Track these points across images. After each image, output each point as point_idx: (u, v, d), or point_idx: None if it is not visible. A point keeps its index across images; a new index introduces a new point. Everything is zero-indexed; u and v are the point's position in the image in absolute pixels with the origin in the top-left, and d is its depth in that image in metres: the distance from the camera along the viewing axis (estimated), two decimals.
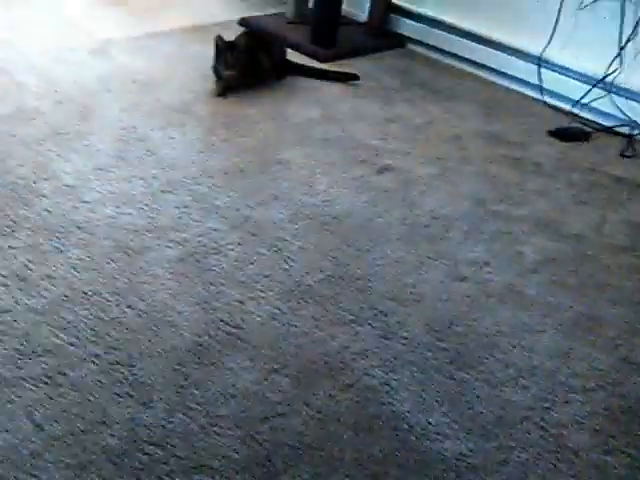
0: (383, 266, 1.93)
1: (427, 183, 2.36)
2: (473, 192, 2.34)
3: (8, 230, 1.86)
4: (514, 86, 3.24)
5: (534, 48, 3.11)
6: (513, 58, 3.21)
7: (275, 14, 3.68)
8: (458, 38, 3.36)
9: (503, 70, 3.25)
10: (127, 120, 2.49)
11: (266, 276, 1.83)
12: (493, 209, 2.26)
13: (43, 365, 1.49)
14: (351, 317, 1.72)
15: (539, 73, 3.12)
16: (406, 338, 1.68)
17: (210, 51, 2.79)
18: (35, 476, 1.27)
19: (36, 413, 1.38)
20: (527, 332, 1.75)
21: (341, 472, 1.35)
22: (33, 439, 1.33)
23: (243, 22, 3.52)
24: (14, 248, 1.80)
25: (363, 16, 3.60)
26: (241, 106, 2.72)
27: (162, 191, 2.13)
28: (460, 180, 2.41)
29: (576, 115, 2.99)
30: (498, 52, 3.25)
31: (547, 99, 3.11)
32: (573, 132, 2.86)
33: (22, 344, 1.53)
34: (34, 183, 2.07)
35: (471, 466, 1.39)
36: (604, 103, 2.95)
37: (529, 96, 3.16)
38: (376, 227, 2.09)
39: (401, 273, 1.91)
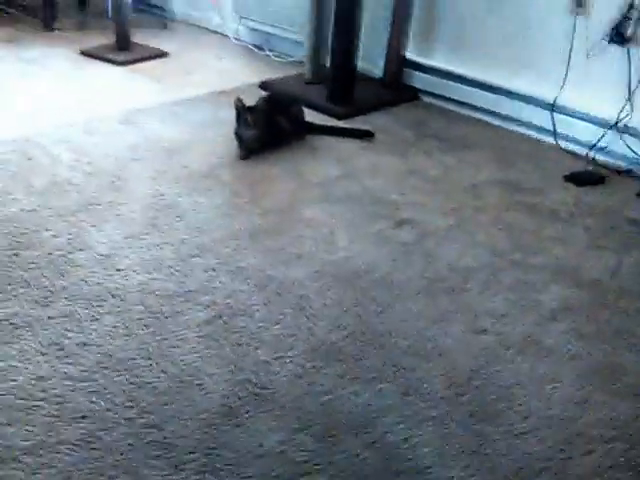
0: (404, 321, 1.99)
1: (444, 235, 2.43)
2: (490, 242, 2.40)
3: (46, 300, 1.97)
4: (527, 132, 3.32)
5: (546, 94, 3.20)
6: (525, 104, 3.30)
7: (294, 75, 3.84)
8: (470, 88, 3.47)
9: (516, 117, 3.34)
10: (156, 188, 2.62)
11: (291, 335, 1.90)
12: (510, 258, 2.32)
13: (79, 429, 1.57)
14: (373, 374, 1.78)
15: (552, 118, 3.19)
16: (427, 394, 1.73)
17: (233, 115, 2.93)
18: None
19: (73, 476, 1.46)
20: (545, 382, 1.79)
21: None
22: None
23: (264, 85, 3.68)
24: (52, 318, 1.91)
25: (378, 72, 3.74)
26: (264, 167, 2.84)
27: (191, 255, 2.23)
28: (477, 230, 2.47)
29: (591, 159, 3.04)
30: (510, 99, 3.34)
31: (561, 144, 3.18)
32: (588, 176, 2.91)
33: (59, 410, 1.62)
34: (69, 253, 2.19)
35: None
36: (618, 146, 3.01)
37: (543, 141, 3.24)
38: (396, 281, 2.16)
39: (422, 327, 1.97)
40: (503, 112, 3.37)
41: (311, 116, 3.25)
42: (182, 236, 2.33)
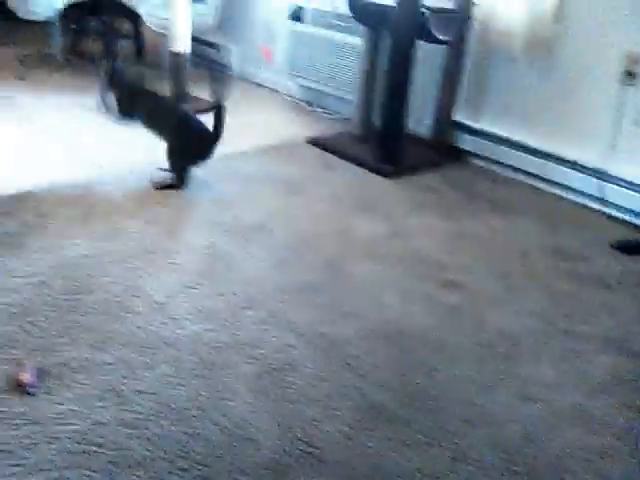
0: (453, 385, 1.99)
1: (493, 299, 2.45)
2: (539, 308, 2.41)
3: (103, 345, 2.03)
4: (575, 198, 3.34)
5: (594, 161, 3.24)
6: (572, 170, 3.33)
7: (343, 132, 3.94)
8: (517, 151, 3.52)
9: (563, 182, 3.37)
10: (209, 238, 2.69)
11: (340, 394, 1.92)
12: (559, 326, 2.32)
13: (136, 477, 1.60)
14: (423, 439, 1.78)
15: (600, 185, 3.21)
16: (477, 460, 1.72)
17: (283, 170, 3.02)
18: None
19: None
20: (598, 455, 1.77)
21: None
22: None
23: (312, 141, 3.78)
24: (109, 363, 1.96)
25: (426, 132, 3.82)
26: (312, 224, 2.90)
27: (242, 307, 2.28)
28: (525, 296, 2.48)
29: (638, 227, 3.05)
30: (557, 164, 3.38)
31: (608, 211, 3.19)
32: (635, 244, 2.91)
33: (117, 456, 1.66)
34: (126, 300, 2.25)
35: None
36: None
37: (590, 208, 3.25)
38: (445, 345, 2.17)
39: (471, 393, 1.97)
40: (550, 177, 3.41)
41: (358, 175, 3.33)
42: (233, 288, 2.38)
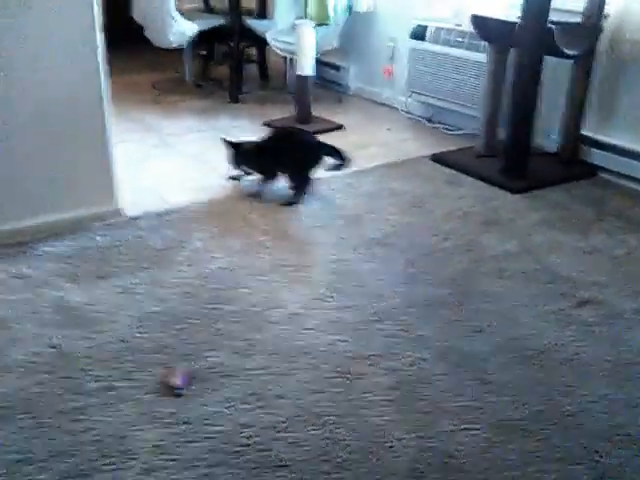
0: (591, 404, 1.96)
1: (631, 318, 2.37)
2: None
3: (246, 352, 2.16)
4: None
5: None
6: None
7: (466, 148, 3.95)
8: None
9: None
10: (338, 253, 2.79)
11: (476, 408, 1.94)
12: None
13: (281, 477, 1.70)
14: (562, 455, 1.77)
15: None
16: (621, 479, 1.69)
17: (406, 186, 3.07)
18: None
19: None
20: None
21: None
22: None
23: (434, 157, 3.81)
24: (252, 369, 2.08)
25: (553, 147, 3.75)
26: (438, 240, 2.93)
27: (372, 320, 2.34)
28: None
29: None
30: None
31: None
32: None
33: (262, 457, 1.76)
34: (264, 310, 2.38)
35: None
36: None
37: None
38: (581, 363, 2.14)
39: (612, 412, 1.93)
40: None
41: (484, 191, 3.32)
42: (362, 301, 2.45)
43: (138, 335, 2.22)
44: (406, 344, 2.22)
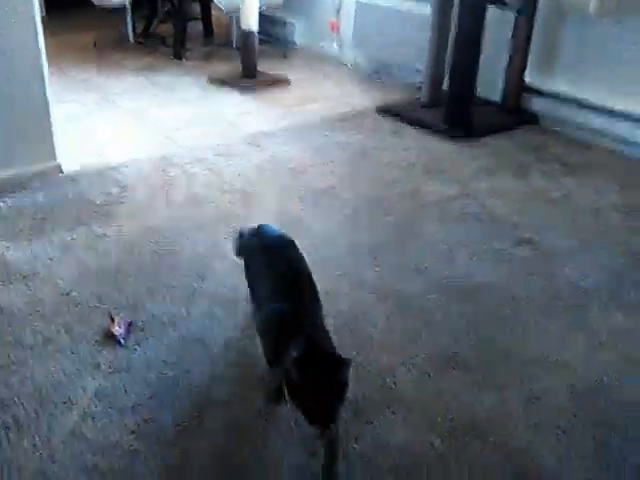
0: (525, 335, 2.02)
1: (565, 256, 2.44)
2: (612, 264, 2.39)
3: (188, 300, 2.15)
4: None
5: None
6: None
7: (410, 99, 3.96)
8: (589, 112, 3.43)
9: (637, 141, 3.28)
10: (282, 204, 2.79)
11: (414, 343, 1.98)
12: (630, 279, 2.30)
13: (217, 418, 1.71)
14: (497, 383, 1.83)
15: None
16: (549, 403, 1.76)
17: (352, 138, 3.06)
18: None
19: None
20: None
21: None
22: None
23: (380, 109, 3.81)
24: (193, 316, 2.08)
25: (496, 96, 3.78)
26: (382, 188, 2.95)
27: (316, 266, 2.34)
28: (599, 252, 2.46)
29: None
30: (630, 123, 3.28)
31: None
32: None
33: (200, 397, 1.77)
34: (207, 260, 2.37)
35: None
36: None
37: None
38: (517, 298, 2.20)
39: (543, 342, 1.99)
40: (625, 137, 3.32)
41: (428, 140, 3.34)
42: (307, 249, 2.44)
43: (77, 288, 2.19)
44: (348, 287, 2.24)
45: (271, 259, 1.81)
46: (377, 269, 2.34)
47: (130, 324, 2.02)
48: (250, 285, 1.84)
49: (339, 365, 1.38)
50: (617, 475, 1.57)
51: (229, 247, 2.43)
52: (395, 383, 1.82)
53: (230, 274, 2.27)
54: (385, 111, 3.78)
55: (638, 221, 2.69)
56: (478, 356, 1.93)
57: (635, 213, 2.75)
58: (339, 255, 2.42)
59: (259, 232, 1.94)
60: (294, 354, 1.39)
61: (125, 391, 1.79)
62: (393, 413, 1.72)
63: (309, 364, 1.38)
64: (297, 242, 2.50)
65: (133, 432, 1.66)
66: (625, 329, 2.05)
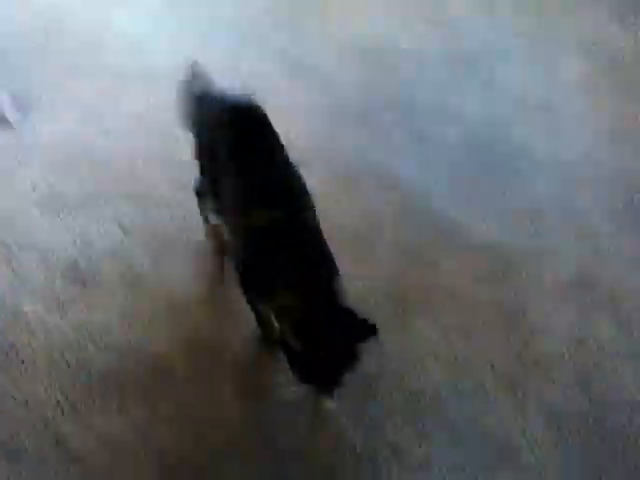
0: (423, 87, 2.06)
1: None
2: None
3: (76, 73, 2.02)
4: None
5: None
6: None
7: None
8: None
9: None
10: None
11: (318, 104, 1.96)
12: (530, 36, 2.31)
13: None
14: (389, 127, 1.90)
15: None
16: (441, 143, 1.86)
17: None
18: None
19: None
20: (560, 136, 1.89)
21: (381, 250, 1.57)
22: None
23: None
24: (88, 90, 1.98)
25: None
26: None
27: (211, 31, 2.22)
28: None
29: None
30: None
31: None
32: None
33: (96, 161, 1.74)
34: (98, 37, 2.18)
35: (500, 246, 1.58)
36: None
37: None
38: (421, 54, 2.19)
39: (439, 92, 2.04)
40: None
41: None
42: (203, 16, 2.30)
43: None
44: (250, 54, 2.14)
45: (245, 145, 1.35)
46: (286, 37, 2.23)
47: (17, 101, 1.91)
48: (209, 173, 1.43)
49: (365, 332, 1.15)
50: (505, 209, 1.69)
51: (122, 23, 2.25)
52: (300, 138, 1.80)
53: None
54: None
55: None
56: (374, 111, 1.96)
57: None
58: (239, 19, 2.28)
59: (220, 99, 1.45)
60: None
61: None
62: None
63: (319, 328, 1.14)
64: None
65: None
66: (522, 79, 2.12)
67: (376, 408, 1.32)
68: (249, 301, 1.34)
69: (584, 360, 1.40)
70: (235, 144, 1.34)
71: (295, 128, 1.82)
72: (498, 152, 1.84)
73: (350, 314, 1.15)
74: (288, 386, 1.25)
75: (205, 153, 1.42)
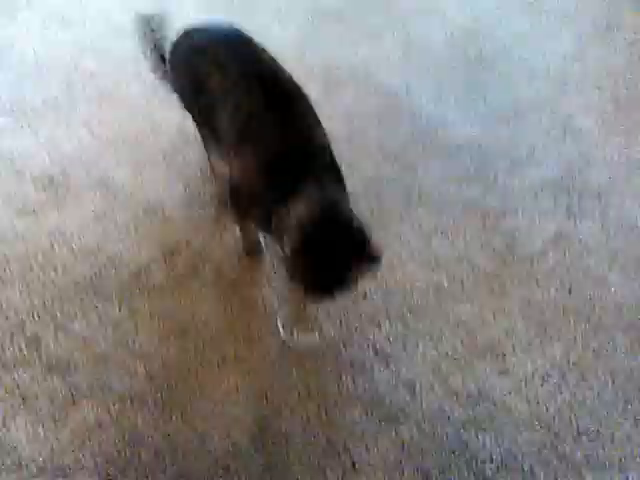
0: None
1: None
2: None
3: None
4: None
5: None
6: None
7: None
8: None
9: None
10: None
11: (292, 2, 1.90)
12: None
13: None
14: (374, 32, 1.82)
15: None
16: (426, 46, 1.79)
17: None
18: None
19: None
20: (544, 38, 1.83)
21: (363, 154, 1.52)
22: None
23: None
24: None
25: None
26: None
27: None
28: None
29: None
30: None
31: None
32: None
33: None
34: None
35: (482, 148, 1.55)
36: None
37: None
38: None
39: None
40: None
41: None
42: None
43: None
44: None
45: (233, 67, 1.21)
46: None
47: None
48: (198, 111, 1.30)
49: (370, 257, 1.07)
50: (488, 112, 1.65)
51: None
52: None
53: None
54: None
55: None
56: (357, 10, 1.89)
57: None
58: None
59: (195, 32, 1.31)
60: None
61: None
62: None
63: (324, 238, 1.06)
64: None
65: None
66: None
67: (355, 308, 1.30)
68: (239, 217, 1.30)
69: (568, 260, 1.39)
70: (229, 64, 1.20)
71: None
72: (483, 55, 1.78)
73: (360, 232, 1.06)
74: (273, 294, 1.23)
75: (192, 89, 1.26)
